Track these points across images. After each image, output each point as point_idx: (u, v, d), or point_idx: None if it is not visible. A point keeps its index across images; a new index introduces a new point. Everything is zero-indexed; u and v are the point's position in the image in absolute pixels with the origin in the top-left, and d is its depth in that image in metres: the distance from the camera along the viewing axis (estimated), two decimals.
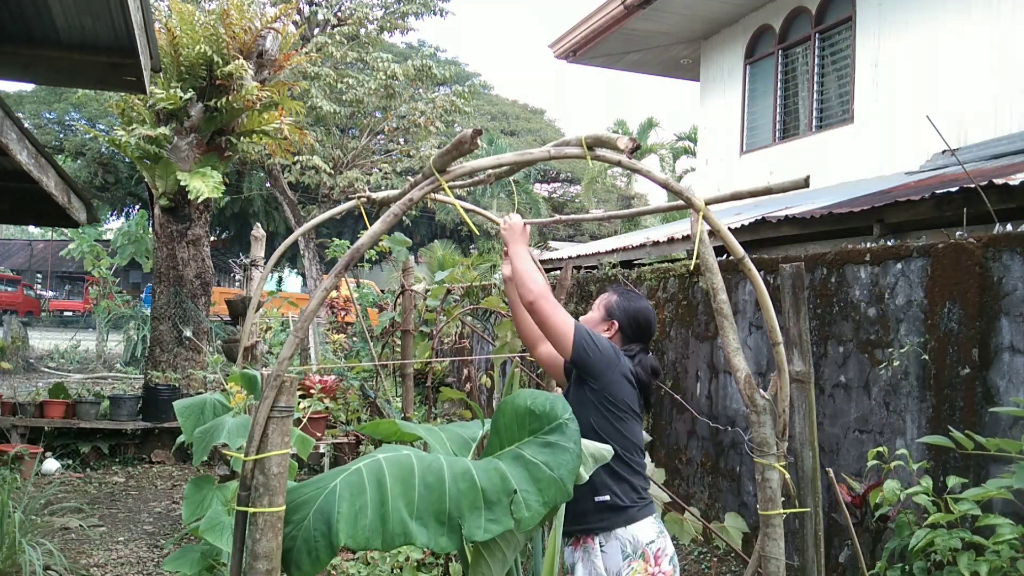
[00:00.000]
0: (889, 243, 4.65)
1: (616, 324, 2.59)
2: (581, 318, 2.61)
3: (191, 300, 8.23)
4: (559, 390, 3.25)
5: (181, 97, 7.79)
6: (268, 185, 20.74)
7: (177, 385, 7.64)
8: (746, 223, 6.16)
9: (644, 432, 4.22)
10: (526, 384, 4.57)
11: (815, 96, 9.15)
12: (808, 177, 1.65)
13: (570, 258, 9.01)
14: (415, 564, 3.94)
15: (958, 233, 3.88)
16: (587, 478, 1.75)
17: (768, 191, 1.76)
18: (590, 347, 2.37)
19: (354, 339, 10.29)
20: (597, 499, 2.31)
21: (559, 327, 2.36)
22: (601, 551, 2.33)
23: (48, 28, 4.28)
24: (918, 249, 4.01)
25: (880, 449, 3.45)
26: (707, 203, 1.75)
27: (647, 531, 2.36)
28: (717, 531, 3.89)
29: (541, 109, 34.26)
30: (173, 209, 8.24)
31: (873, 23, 8.30)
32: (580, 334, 2.37)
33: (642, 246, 7.75)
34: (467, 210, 2.50)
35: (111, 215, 30.16)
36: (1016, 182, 4.19)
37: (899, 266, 4.10)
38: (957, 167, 6.02)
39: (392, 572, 3.96)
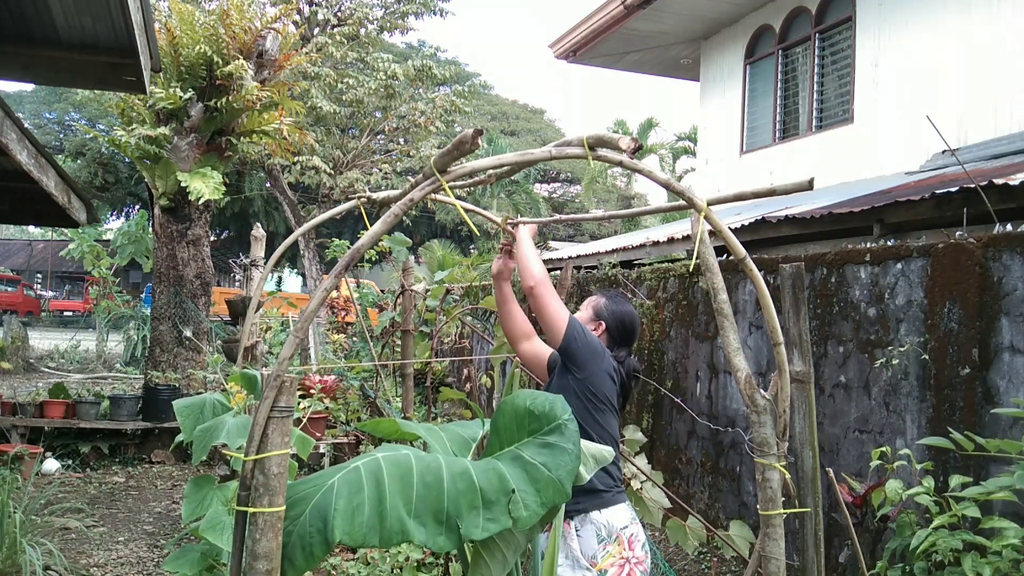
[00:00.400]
0: (889, 243, 4.65)
1: (604, 325, 2.71)
2: None
3: (191, 300, 8.23)
4: None
5: (181, 97, 7.79)
6: (268, 185, 20.73)
7: (177, 385, 7.63)
8: (746, 223, 6.16)
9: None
10: (526, 384, 4.56)
11: (815, 96, 9.15)
12: (812, 180, 1.64)
13: (570, 258, 9.01)
14: (415, 564, 3.93)
15: (958, 233, 3.88)
16: (587, 478, 1.75)
17: (772, 192, 1.75)
18: (579, 338, 2.49)
19: (354, 339, 10.29)
20: None
21: (555, 315, 2.47)
22: (577, 535, 2.41)
23: (48, 28, 4.28)
24: (918, 249, 4.01)
25: (883, 449, 3.45)
26: (710, 204, 1.74)
27: (621, 516, 2.45)
28: (724, 539, 3.89)
29: (541, 109, 34.30)
30: (173, 209, 8.24)
31: (873, 23, 8.30)
32: (573, 325, 2.49)
33: (642, 246, 7.76)
34: (467, 210, 2.50)
35: (111, 215, 30.18)
36: (1016, 182, 4.19)
37: (899, 266, 4.10)
38: (957, 167, 6.02)
39: (392, 572, 3.96)
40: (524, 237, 2.58)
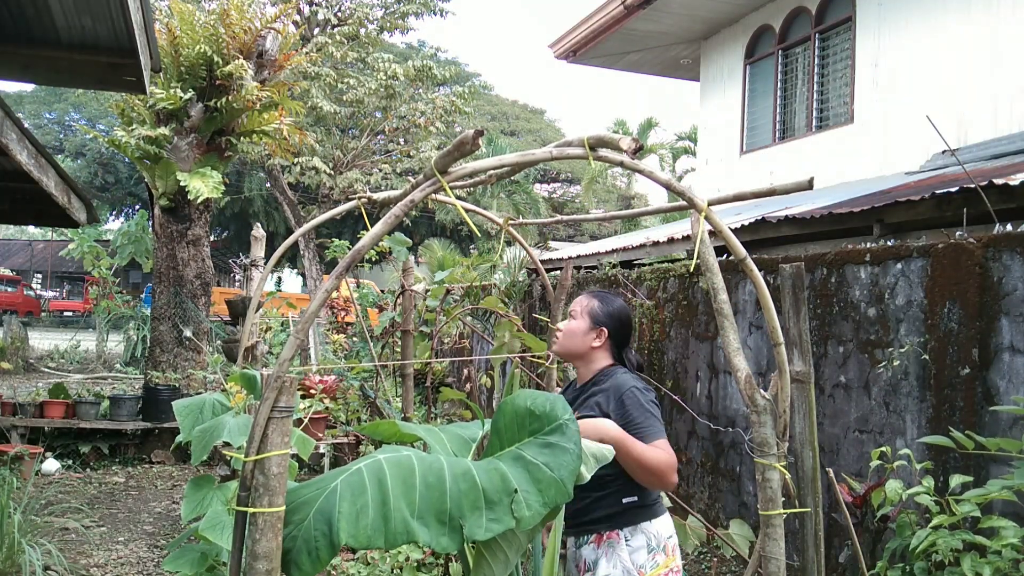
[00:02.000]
0: (889, 243, 4.65)
1: (605, 331, 2.54)
2: (563, 327, 2.57)
3: (191, 300, 8.23)
4: (558, 390, 3.25)
5: (181, 97, 7.79)
6: (268, 185, 20.72)
7: (177, 385, 7.63)
8: (746, 223, 6.16)
9: None
10: (526, 384, 4.56)
11: (815, 96, 9.15)
12: (812, 179, 1.64)
13: (570, 258, 9.01)
14: (415, 564, 3.93)
15: (958, 233, 3.88)
16: (588, 478, 1.74)
17: (772, 192, 1.75)
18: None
19: (354, 339, 10.29)
20: (625, 500, 2.35)
21: (668, 464, 2.27)
22: (627, 544, 2.35)
23: (48, 28, 4.28)
24: (918, 249, 4.01)
25: (883, 449, 3.45)
26: (710, 204, 1.74)
27: (667, 526, 2.43)
28: (725, 538, 3.89)
29: (541, 109, 34.28)
30: (173, 209, 8.24)
31: (873, 23, 8.30)
32: (666, 444, 2.32)
33: (642, 246, 7.76)
34: (467, 210, 2.50)
35: (111, 215, 30.21)
36: (1016, 182, 4.19)
37: (899, 266, 4.10)
38: (957, 167, 6.02)
39: (392, 572, 3.96)
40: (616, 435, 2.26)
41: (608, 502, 2.36)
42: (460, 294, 6.45)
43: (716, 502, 5.40)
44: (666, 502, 3.04)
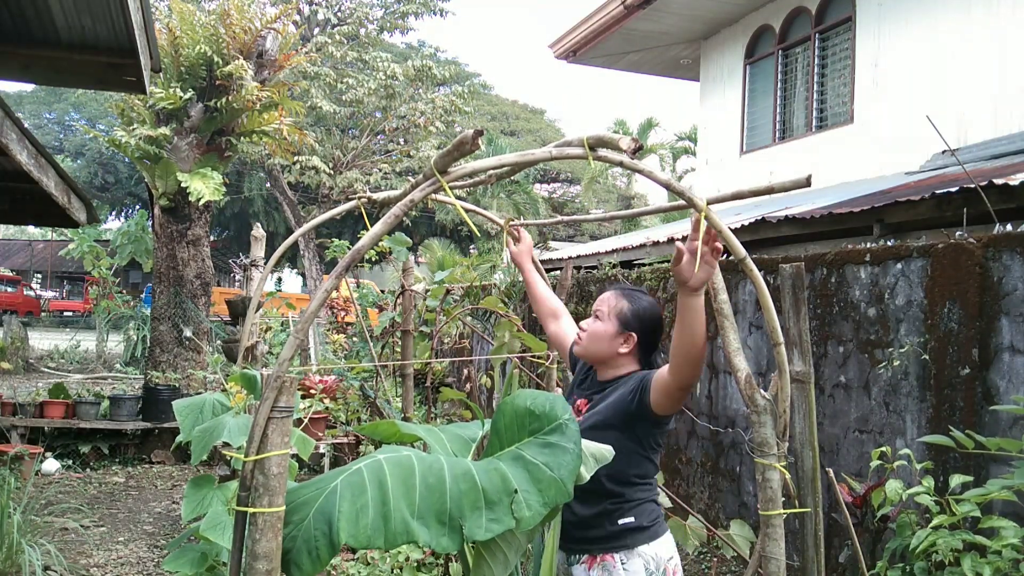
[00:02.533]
0: (889, 243, 4.65)
1: (635, 337, 2.31)
2: (587, 328, 2.38)
3: (191, 300, 8.23)
4: (559, 390, 3.24)
5: (181, 97, 7.80)
6: (268, 185, 20.73)
7: (177, 385, 7.63)
8: (746, 223, 6.16)
9: None
10: (526, 384, 4.56)
11: (815, 96, 9.15)
12: (809, 176, 1.64)
13: (570, 258, 9.01)
14: (415, 564, 3.93)
15: (958, 233, 3.88)
16: (587, 478, 1.73)
17: (770, 190, 1.75)
18: None
19: (354, 339, 10.29)
20: (621, 522, 2.23)
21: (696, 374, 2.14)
22: (623, 569, 2.22)
23: (48, 28, 4.28)
24: (918, 249, 4.01)
25: (883, 449, 3.45)
26: (709, 203, 1.74)
27: (667, 547, 2.30)
28: (725, 539, 3.89)
29: (541, 109, 34.27)
30: (173, 209, 8.24)
31: (873, 23, 8.30)
32: None
33: (642, 246, 7.76)
34: (467, 210, 2.50)
35: (111, 215, 30.24)
36: (1016, 182, 4.19)
37: (899, 266, 4.10)
38: (957, 167, 6.02)
39: (392, 572, 3.96)
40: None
41: (601, 522, 2.24)
42: (460, 294, 6.46)
43: (716, 502, 5.40)
44: (665, 502, 3.01)
